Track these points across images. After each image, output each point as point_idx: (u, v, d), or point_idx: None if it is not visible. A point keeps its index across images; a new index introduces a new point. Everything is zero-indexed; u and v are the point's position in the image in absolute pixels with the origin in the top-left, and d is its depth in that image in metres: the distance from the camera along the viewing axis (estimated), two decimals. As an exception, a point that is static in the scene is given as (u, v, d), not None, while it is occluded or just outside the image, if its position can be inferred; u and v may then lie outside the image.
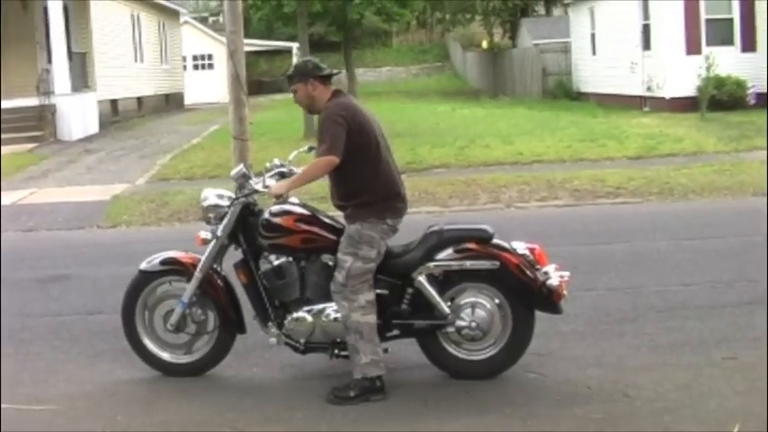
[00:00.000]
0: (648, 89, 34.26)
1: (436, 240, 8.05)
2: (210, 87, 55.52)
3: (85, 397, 8.20)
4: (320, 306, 8.03)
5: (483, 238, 8.07)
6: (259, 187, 8.11)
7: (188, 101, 51.70)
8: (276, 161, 8.77)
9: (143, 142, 30.91)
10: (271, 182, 8.22)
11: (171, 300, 8.48)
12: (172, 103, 47.59)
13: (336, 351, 8.10)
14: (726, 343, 8.83)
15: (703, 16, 32.62)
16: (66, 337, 10.01)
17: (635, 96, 35.30)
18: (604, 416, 7.29)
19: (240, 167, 8.42)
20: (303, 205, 8.35)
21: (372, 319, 7.80)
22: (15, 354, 9.46)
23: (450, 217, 16.37)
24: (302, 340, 8.11)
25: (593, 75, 41.42)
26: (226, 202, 8.27)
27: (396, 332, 8.15)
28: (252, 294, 8.26)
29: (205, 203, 8.39)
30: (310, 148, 8.71)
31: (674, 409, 7.33)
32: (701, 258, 12.42)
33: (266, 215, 8.14)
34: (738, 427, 6.76)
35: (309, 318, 8.02)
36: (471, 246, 8.02)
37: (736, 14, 32.82)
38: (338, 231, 8.08)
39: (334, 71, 8.23)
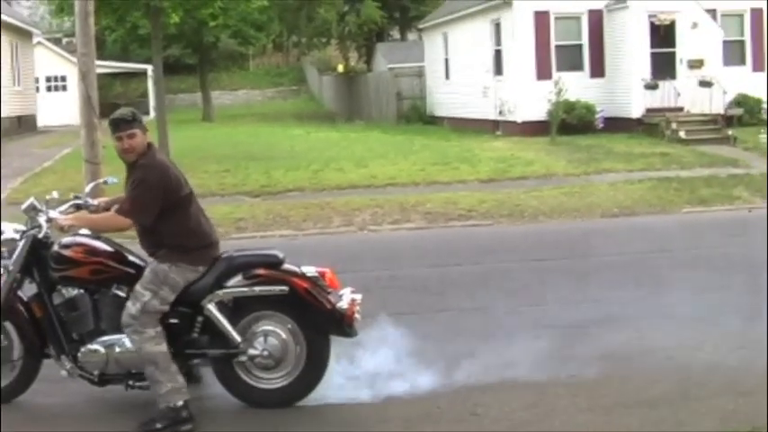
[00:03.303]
0: (500, 113, 34.78)
1: (225, 267, 7.98)
2: (64, 109, 54.48)
3: None
4: (113, 337, 7.90)
5: (273, 263, 8.04)
6: (42, 220, 8.01)
7: (41, 123, 50.71)
8: (55, 194, 8.60)
9: (-7, 165, 30.27)
10: (55, 214, 8.08)
11: None
12: (24, 125, 46.63)
13: (131, 382, 7.98)
14: (572, 362, 8.99)
15: (553, 42, 33.32)
16: None
17: (487, 120, 35.80)
18: (453, 435, 7.41)
19: (30, 200, 8.23)
20: (96, 237, 8.24)
21: (164, 347, 7.69)
22: None
23: (303, 241, 16.43)
24: (96, 372, 7.97)
25: (446, 99, 41.86)
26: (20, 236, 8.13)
27: (191, 361, 8.08)
28: (47, 327, 8.08)
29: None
30: (105, 182, 8.70)
31: (521, 427, 7.48)
32: (550, 278, 12.64)
33: (56, 247, 8.03)
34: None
35: (102, 349, 7.89)
36: (261, 271, 7.96)
37: (585, 41, 33.62)
38: (131, 263, 8.03)
39: None
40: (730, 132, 29.04)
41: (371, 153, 28.42)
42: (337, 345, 8.27)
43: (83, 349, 7.94)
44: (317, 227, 17.76)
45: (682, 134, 29.11)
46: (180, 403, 7.63)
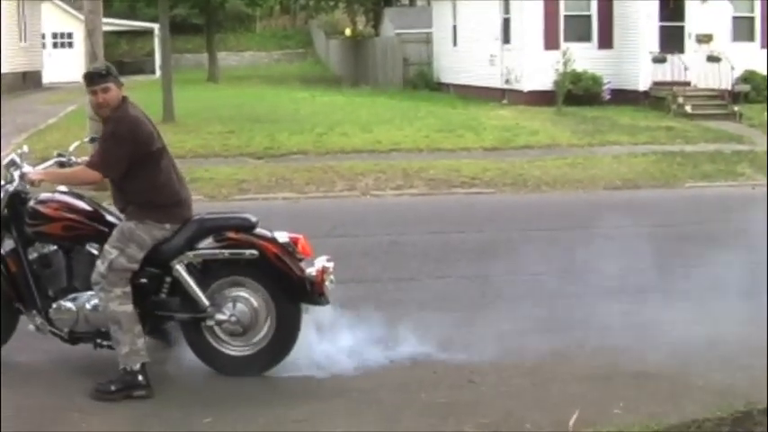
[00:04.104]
0: (507, 82, 34.72)
1: (196, 228, 7.92)
2: (70, 66, 54.35)
3: None
4: (85, 295, 7.88)
5: (245, 227, 7.96)
6: (16, 175, 7.99)
7: (47, 79, 50.62)
8: (26, 148, 8.52)
9: (-3, 121, 30.23)
10: (28, 169, 8.02)
11: None
12: (29, 81, 46.53)
13: (100, 341, 7.93)
14: (571, 331, 9.01)
15: (562, 12, 33.23)
16: None
17: (494, 89, 35.71)
18: (449, 401, 7.41)
19: (11, 156, 8.22)
20: (73, 194, 8.22)
21: (130, 308, 7.64)
22: None
23: (306, 204, 16.46)
24: (66, 329, 7.95)
25: (453, 66, 41.73)
26: None
27: (163, 324, 8.06)
28: (21, 282, 8.05)
29: None
30: (92, 139, 8.67)
31: (517, 395, 7.50)
32: (550, 248, 12.63)
33: (32, 203, 8.02)
34: (578, 413, 6.94)
35: (73, 306, 7.87)
36: (232, 235, 7.88)
37: (593, 12, 33.53)
38: (106, 222, 7.99)
39: None
40: (736, 109, 28.98)
41: (376, 118, 28.31)
42: (325, 311, 8.25)
43: (54, 306, 7.92)
44: (319, 190, 17.76)
45: (688, 109, 29.06)
46: (136, 367, 7.58)
